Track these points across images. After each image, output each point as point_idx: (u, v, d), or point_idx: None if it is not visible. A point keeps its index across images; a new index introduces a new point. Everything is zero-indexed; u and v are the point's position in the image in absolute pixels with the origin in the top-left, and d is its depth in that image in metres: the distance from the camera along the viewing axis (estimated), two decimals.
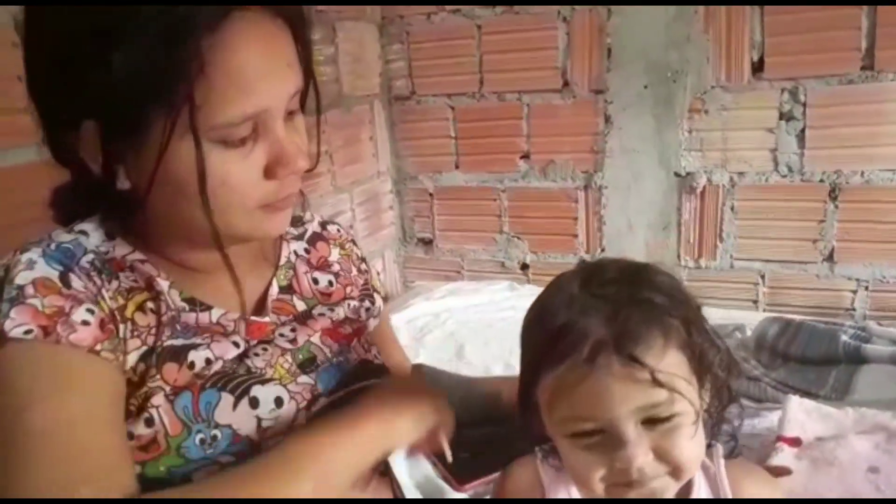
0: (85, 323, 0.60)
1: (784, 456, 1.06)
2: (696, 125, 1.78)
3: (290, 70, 0.64)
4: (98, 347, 0.61)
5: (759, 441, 1.14)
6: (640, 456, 0.58)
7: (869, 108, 1.62)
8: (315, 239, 0.86)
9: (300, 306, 0.79)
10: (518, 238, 2.05)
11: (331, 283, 0.83)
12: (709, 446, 0.65)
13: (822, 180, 1.70)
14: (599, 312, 0.59)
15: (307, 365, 0.74)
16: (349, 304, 0.83)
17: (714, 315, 0.69)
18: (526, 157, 1.98)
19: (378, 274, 0.96)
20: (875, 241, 1.69)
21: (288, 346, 0.73)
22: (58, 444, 0.57)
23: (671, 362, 0.59)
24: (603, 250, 1.95)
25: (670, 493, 0.62)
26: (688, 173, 1.82)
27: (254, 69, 0.61)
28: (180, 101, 0.58)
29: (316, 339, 0.76)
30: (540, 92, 1.92)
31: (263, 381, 0.69)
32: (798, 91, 1.66)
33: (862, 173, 1.66)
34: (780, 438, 1.10)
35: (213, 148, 0.61)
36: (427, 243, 2.20)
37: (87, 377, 0.60)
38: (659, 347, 0.58)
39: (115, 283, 0.65)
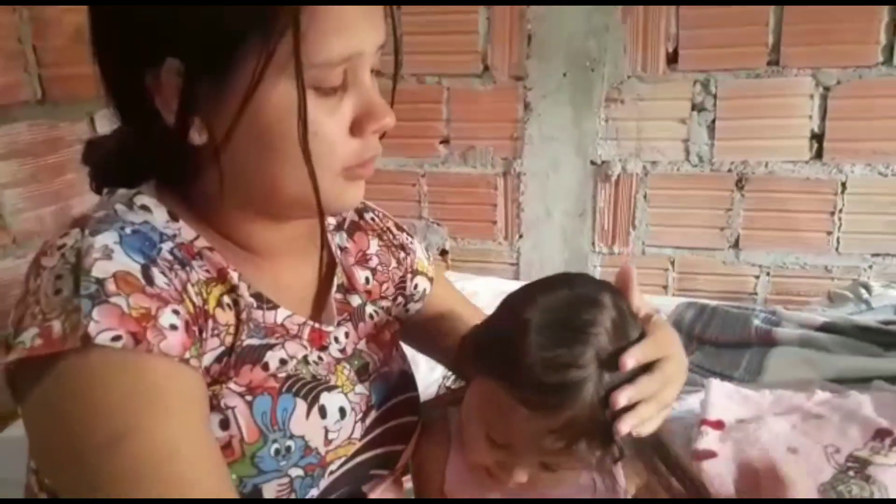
0: (173, 327, 0.52)
1: (709, 439, 1.09)
2: (613, 114, 1.81)
3: (382, 20, 0.61)
4: (187, 355, 0.53)
5: (681, 423, 1.17)
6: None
7: (774, 101, 1.70)
8: (354, 229, 0.79)
9: (355, 302, 0.73)
10: (438, 224, 2.02)
11: (367, 281, 0.77)
12: None
13: (729, 170, 1.77)
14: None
15: (362, 372, 0.69)
16: (383, 305, 0.78)
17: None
18: (446, 142, 1.95)
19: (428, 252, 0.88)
20: (776, 230, 1.78)
21: (339, 355, 0.68)
22: (165, 477, 0.49)
23: None
24: (521, 237, 1.96)
25: None
26: (603, 162, 1.85)
27: (354, 9, 0.57)
28: (282, 28, 0.53)
29: (362, 345, 0.72)
30: (460, 76, 1.88)
31: (330, 388, 0.64)
32: (710, 83, 1.72)
33: (766, 164, 1.74)
34: (703, 422, 1.13)
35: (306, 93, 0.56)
36: None
37: (183, 393, 0.53)
38: None
39: (194, 276, 0.58)
